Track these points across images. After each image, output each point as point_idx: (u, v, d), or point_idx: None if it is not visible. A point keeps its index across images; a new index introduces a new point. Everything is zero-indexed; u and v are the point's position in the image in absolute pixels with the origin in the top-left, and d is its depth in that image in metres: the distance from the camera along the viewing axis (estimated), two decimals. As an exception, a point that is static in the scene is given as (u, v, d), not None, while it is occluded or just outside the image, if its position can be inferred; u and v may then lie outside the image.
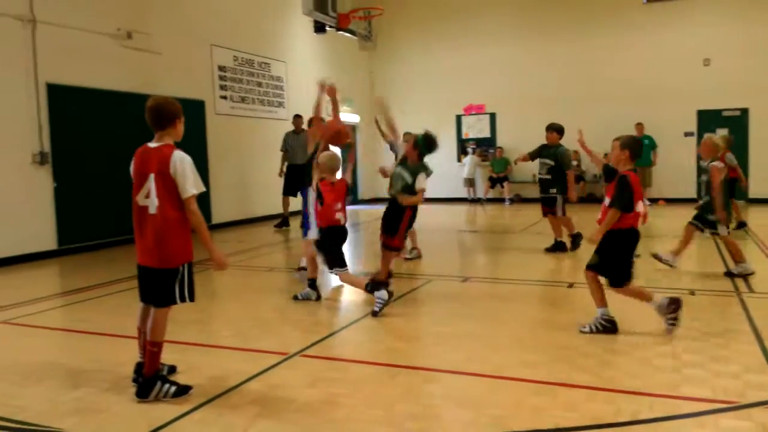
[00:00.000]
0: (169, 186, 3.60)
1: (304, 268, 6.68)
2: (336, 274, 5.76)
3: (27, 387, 3.97)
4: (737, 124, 15.35)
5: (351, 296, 6.61)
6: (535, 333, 4.83)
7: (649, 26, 15.83)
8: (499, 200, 17.18)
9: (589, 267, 4.86)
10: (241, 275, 7.90)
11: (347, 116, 17.47)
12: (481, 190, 17.64)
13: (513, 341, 4.69)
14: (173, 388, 3.69)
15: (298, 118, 12.00)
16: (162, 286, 3.68)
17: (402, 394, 3.70)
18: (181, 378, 4.01)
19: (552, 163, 8.64)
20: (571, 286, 6.53)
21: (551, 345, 4.59)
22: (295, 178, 11.67)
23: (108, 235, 9.95)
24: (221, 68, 12.77)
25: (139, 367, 3.87)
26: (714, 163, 6.69)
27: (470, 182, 17.48)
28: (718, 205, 6.68)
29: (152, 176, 3.60)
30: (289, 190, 11.95)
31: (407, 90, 18.43)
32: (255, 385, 3.89)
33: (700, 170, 7.20)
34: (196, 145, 11.99)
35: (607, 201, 4.73)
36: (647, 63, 15.84)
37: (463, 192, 17.63)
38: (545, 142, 8.96)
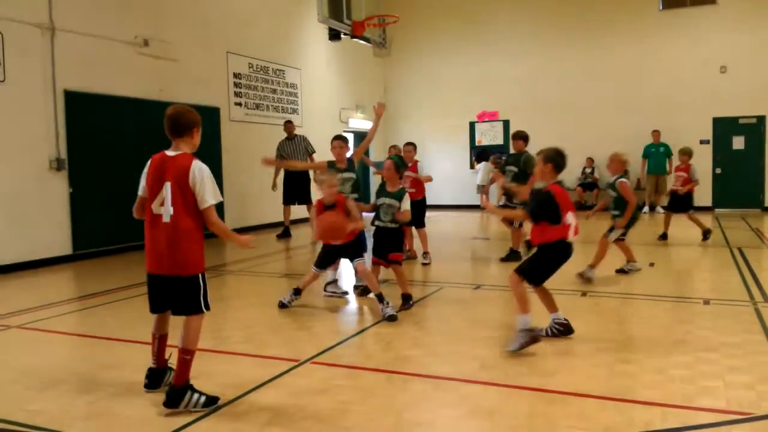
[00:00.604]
0: (186, 195, 3.61)
1: (336, 290, 6.85)
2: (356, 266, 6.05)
3: (41, 391, 4.00)
4: (754, 131, 15.22)
5: (362, 303, 6.62)
6: (547, 341, 4.80)
7: (665, 34, 15.75)
8: (512, 207, 17.09)
9: (517, 270, 4.78)
10: (254, 281, 7.93)
11: (360, 123, 17.54)
12: (495, 196, 17.57)
13: (525, 350, 4.65)
14: (203, 398, 3.65)
15: (289, 124, 11.85)
16: (185, 294, 3.67)
17: (413, 402, 3.70)
18: (194, 384, 4.03)
19: (516, 169, 8.60)
20: (584, 294, 6.49)
21: (564, 354, 4.56)
22: (295, 186, 11.69)
23: (122, 241, 10.04)
24: (236, 75, 12.87)
25: (151, 373, 3.91)
26: (622, 179, 7.33)
27: (483, 189, 17.43)
28: (627, 215, 7.20)
29: (168, 185, 3.60)
30: (289, 199, 11.78)
31: (421, 97, 18.46)
32: (266, 392, 3.90)
33: (609, 186, 7.62)
34: (210, 152, 12.08)
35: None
36: (663, 70, 15.75)
37: (476, 199, 17.59)
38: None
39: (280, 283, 7.68)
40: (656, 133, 15.21)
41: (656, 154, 15.16)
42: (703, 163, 15.47)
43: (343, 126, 16.79)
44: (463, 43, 17.75)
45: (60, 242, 9.27)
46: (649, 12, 15.93)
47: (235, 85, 12.86)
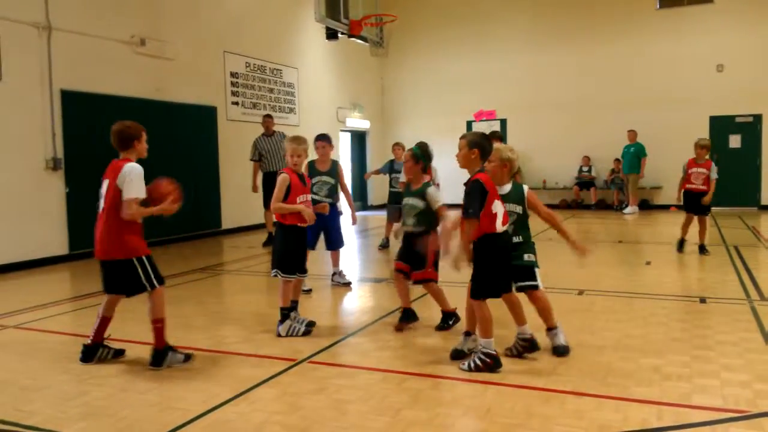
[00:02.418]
0: (116, 191, 4.31)
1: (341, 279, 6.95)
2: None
3: (36, 391, 3.99)
4: (750, 130, 15.25)
5: (359, 303, 6.62)
6: (542, 340, 4.80)
7: (662, 32, 15.77)
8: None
9: (470, 295, 4.28)
10: (251, 281, 7.93)
11: (358, 122, 17.54)
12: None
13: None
14: (182, 356, 4.36)
15: (268, 118, 10.71)
16: (125, 276, 4.31)
17: (409, 401, 3.70)
18: (187, 383, 4.04)
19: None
20: (580, 293, 6.49)
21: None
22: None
23: (120, 240, 10.01)
24: (233, 74, 12.86)
25: (85, 349, 4.47)
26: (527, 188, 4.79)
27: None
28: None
29: (106, 182, 4.38)
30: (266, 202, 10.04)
31: (418, 95, 18.46)
32: (263, 391, 3.90)
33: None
34: (207, 151, 12.08)
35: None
36: (660, 69, 15.77)
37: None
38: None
39: (278, 282, 7.63)
40: (631, 133, 15.31)
41: (627, 154, 15.27)
42: (699, 162, 15.52)
43: (341, 125, 16.79)
44: (460, 42, 17.75)
45: (56, 242, 9.25)
46: (647, 11, 15.95)
47: (232, 84, 12.84)
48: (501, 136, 8.69)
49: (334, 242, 6.98)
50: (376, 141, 18.37)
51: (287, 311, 5.14)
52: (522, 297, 4.49)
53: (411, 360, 4.46)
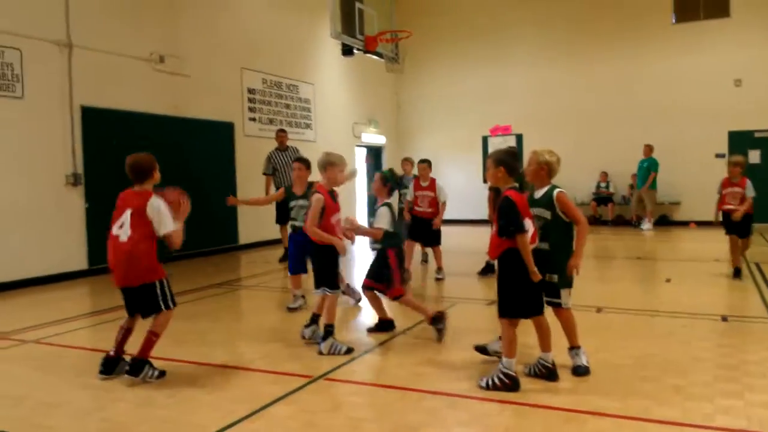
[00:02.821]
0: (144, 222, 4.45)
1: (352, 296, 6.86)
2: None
3: (55, 407, 4.01)
4: (770, 145, 15.07)
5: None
6: (561, 359, 4.75)
7: (679, 46, 15.69)
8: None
9: (499, 314, 4.22)
10: (269, 296, 7.94)
11: (373, 137, 17.61)
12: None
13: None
14: (156, 372, 4.46)
15: (282, 133, 10.99)
16: (146, 298, 4.49)
17: (426, 420, 3.66)
18: (205, 399, 4.04)
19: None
20: (599, 310, 6.42)
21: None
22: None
23: (137, 255, 10.09)
24: (250, 91, 12.98)
25: (106, 361, 4.55)
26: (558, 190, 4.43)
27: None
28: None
29: (129, 212, 4.51)
30: (284, 219, 10.05)
31: (433, 110, 18.50)
32: (280, 408, 3.89)
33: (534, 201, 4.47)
34: (225, 167, 12.18)
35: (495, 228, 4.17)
36: (677, 83, 15.68)
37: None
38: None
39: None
40: (647, 148, 15.17)
41: (641, 168, 15.16)
42: (718, 177, 15.30)
43: (356, 140, 16.86)
44: (475, 57, 17.79)
45: (76, 257, 9.34)
46: (663, 25, 15.88)
47: (249, 100, 12.96)
48: (516, 151, 8.64)
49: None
50: (391, 156, 18.39)
51: (332, 328, 5.12)
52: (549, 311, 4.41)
53: (428, 378, 4.43)
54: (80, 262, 9.39)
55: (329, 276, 5.21)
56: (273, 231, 13.06)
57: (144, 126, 10.36)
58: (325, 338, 5.06)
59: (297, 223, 6.56)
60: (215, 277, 9.31)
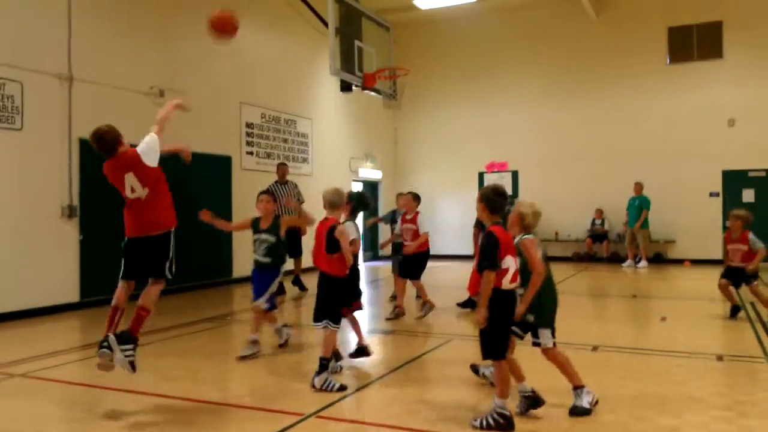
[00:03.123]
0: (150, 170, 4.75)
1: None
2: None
3: (41, 443, 3.94)
4: (764, 184, 15.18)
5: (374, 355, 6.53)
6: (554, 397, 4.69)
7: (673, 87, 15.91)
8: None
9: (483, 356, 4.21)
10: (261, 332, 7.85)
11: (370, 172, 17.69)
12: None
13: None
14: (132, 356, 4.58)
15: (283, 166, 11.32)
16: (156, 253, 4.76)
17: (418, 460, 3.59)
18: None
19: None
20: (595, 349, 6.37)
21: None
22: (291, 233, 10.17)
23: (130, 288, 10.03)
24: (249, 125, 13.08)
25: (105, 339, 4.60)
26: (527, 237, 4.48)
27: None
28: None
29: (131, 174, 4.75)
30: (290, 250, 10.18)
31: (430, 146, 18.64)
32: (269, 446, 3.82)
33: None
34: (221, 199, 12.19)
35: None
36: (672, 122, 15.86)
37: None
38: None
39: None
40: (637, 186, 15.31)
41: (632, 207, 15.26)
42: (713, 216, 15.46)
43: (353, 175, 16.94)
44: (472, 95, 18.01)
45: (68, 289, 9.27)
46: (657, 65, 16.13)
47: (248, 134, 13.05)
48: (502, 189, 8.63)
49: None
50: (388, 191, 18.46)
51: (327, 362, 5.07)
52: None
53: (422, 416, 4.36)
54: (72, 295, 9.32)
55: (333, 309, 5.15)
56: (268, 265, 13.04)
57: (141, 159, 10.39)
58: (319, 372, 4.96)
59: (258, 258, 6.49)
60: (207, 311, 9.24)
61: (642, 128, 16.15)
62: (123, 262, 4.93)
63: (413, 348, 6.77)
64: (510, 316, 4.17)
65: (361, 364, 6.20)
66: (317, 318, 5.15)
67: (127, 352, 4.51)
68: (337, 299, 5.18)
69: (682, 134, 15.74)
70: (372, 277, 13.98)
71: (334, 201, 5.27)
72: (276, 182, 11.08)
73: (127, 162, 4.78)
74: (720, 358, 5.94)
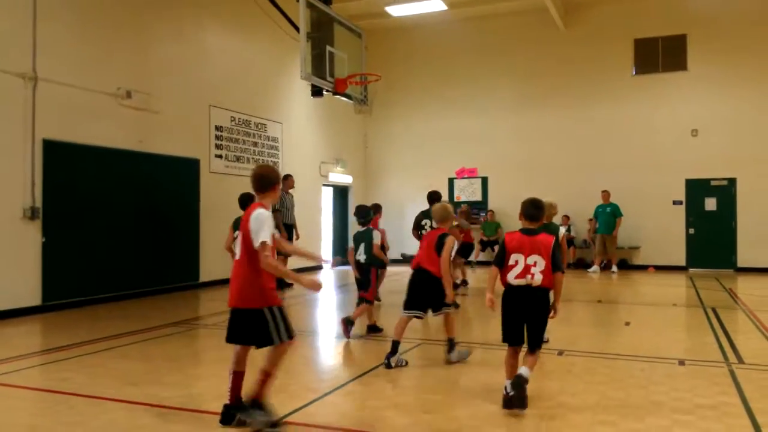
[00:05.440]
0: (247, 238, 4.07)
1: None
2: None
3: (-2, 450, 3.83)
4: (725, 193, 15.58)
5: (337, 359, 6.51)
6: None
7: (639, 98, 16.25)
8: (490, 263, 17.16)
9: None
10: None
11: (340, 177, 17.68)
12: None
13: (502, 411, 4.58)
14: (264, 418, 4.11)
15: (290, 177, 12.23)
16: (253, 327, 4.05)
17: (385, 465, 3.59)
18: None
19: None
20: (560, 353, 6.45)
21: (541, 415, 4.50)
22: (289, 237, 11.83)
23: (93, 293, 9.85)
24: (218, 128, 12.96)
25: (226, 410, 4.16)
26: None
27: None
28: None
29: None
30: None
31: (400, 152, 18.71)
32: (234, 452, 3.78)
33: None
34: (188, 202, 12.05)
35: None
36: (637, 133, 16.19)
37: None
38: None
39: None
40: (605, 194, 15.65)
41: (603, 213, 15.55)
42: (676, 224, 15.81)
43: (323, 180, 16.90)
44: (443, 101, 18.13)
45: (29, 293, 9.05)
46: (623, 77, 16.46)
47: (217, 137, 12.93)
48: (439, 196, 9.79)
49: None
50: (358, 196, 18.47)
51: (454, 341, 6.16)
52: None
53: (390, 422, 4.36)
54: (34, 298, 9.10)
55: (442, 299, 5.95)
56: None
57: (107, 160, 10.24)
58: (451, 349, 6.05)
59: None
60: (173, 314, 9.10)
61: (608, 137, 16.45)
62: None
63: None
64: (511, 311, 4.66)
65: (332, 368, 6.20)
66: (436, 310, 6.02)
67: (257, 422, 4.12)
68: (441, 291, 5.89)
69: (646, 143, 16.08)
70: (343, 281, 13.94)
71: (443, 216, 6.24)
72: (285, 192, 11.96)
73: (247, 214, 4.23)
74: (682, 362, 6.06)
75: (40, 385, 5.40)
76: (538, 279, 4.56)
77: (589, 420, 4.34)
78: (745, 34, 15.31)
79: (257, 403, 4.12)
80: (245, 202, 7.47)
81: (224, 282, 12.56)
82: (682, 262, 15.76)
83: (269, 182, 4.25)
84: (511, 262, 4.61)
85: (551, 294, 4.70)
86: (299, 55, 11.27)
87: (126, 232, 10.53)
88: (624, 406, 4.65)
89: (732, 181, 15.52)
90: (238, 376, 4.21)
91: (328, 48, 12.20)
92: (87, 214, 9.85)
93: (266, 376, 4.12)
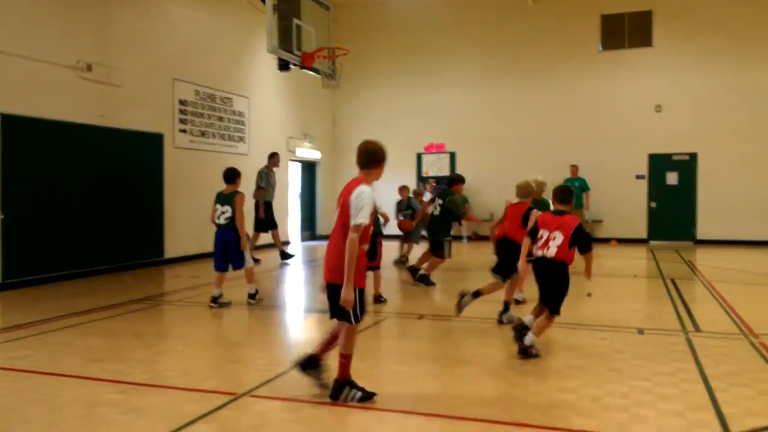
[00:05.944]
0: (345, 213, 4.02)
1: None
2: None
3: (-43, 429, 3.77)
4: (687, 167, 15.92)
5: (304, 334, 6.53)
6: (488, 371, 4.83)
7: (605, 74, 16.42)
8: (458, 238, 17.31)
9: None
10: (193, 311, 7.73)
11: (308, 152, 17.55)
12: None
13: (466, 380, 4.67)
14: (359, 394, 4.14)
15: (276, 155, 12.70)
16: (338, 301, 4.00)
17: (351, 435, 3.64)
18: (120, 419, 3.88)
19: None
20: (525, 324, 6.56)
21: (504, 383, 4.60)
22: (271, 215, 12.51)
23: (55, 269, 9.67)
24: (182, 102, 12.71)
25: (304, 358, 4.31)
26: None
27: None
28: None
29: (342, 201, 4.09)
30: (268, 225, 12.33)
31: (369, 127, 18.58)
32: (199, 427, 3.78)
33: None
34: (151, 178, 11.85)
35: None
36: (603, 108, 16.39)
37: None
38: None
39: (221, 313, 7.48)
40: (574, 168, 15.86)
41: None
42: (638, 198, 16.13)
43: (291, 155, 16.75)
44: (410, 76, 18.06)
45: (-11, 270, 8.85)
46: (590, 52, 16.59)
47: (181, 111, 12.69)
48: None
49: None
50: (326, 171, 18.39)
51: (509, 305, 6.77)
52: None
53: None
54: (-7, 277, 8.90)
55: (514, 266, 6.12)
56: (201, 244, 12.79)
57: (68, 135, 9.98)
58: (506, 311, 6.60)
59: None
60: (137, 291, 9.00)
61: (574, 112, 16.62)
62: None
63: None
64: (539, 278, 5.45)
65: (298, 343, 6.22)
66: (506, 274, 6.56)
67: (348, 398, 4.17)
68: (516, 259, 5.91)
69: (611, 119, 16.29)
70: (310, 256, 13.94)
71: (526, 192, 7.11)
72: (266, 167, 12.44)
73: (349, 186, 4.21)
74: (641, 331, 6.23)
75: (1, 364, 5.31)
76: (552, 252, 5.21)
77: (551, 388, 4.45)
78: (709, 11, 15.53)
79: (349, 382, 4.20)
80: (230, 177, 7.68)
81: (190, 258, 12.47)
82: (644, 235, 16.12)
83: (377, 159, 4.25)
84: (539, 235, 5.33)
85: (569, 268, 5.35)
86: (265, 28, 11.08)
87: (89, 209, 10.32)
88: (585, 374, 4.78)
89: (693, 156, 15.85)
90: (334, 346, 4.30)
91: (295, 21, 12.03)
92: (48, 190, 9.62)
93: (346, 359, 4.18)
